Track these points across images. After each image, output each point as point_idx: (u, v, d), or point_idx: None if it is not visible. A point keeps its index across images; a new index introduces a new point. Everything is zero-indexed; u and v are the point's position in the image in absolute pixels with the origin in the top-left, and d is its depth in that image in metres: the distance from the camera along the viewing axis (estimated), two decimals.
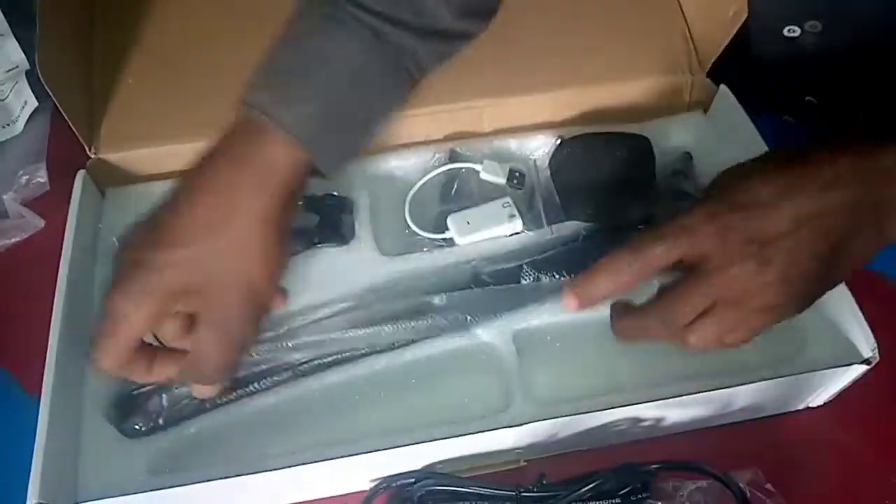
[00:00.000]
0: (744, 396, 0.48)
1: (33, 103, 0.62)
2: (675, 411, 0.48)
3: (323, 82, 0.43)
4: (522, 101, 0.62)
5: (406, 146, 0.61)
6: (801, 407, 0.52)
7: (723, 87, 0.61)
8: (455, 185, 0.59)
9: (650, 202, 0.56)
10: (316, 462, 0.45)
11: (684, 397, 0.46)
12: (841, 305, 0.49)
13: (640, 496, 0.45)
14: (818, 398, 0.51)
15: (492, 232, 0.55)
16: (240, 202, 0.40)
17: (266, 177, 0.41)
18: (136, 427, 0.48)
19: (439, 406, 0.50)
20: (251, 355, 0.49)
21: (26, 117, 0.63)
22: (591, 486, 0.44)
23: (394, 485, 0.46)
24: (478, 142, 0.61)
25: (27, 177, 0.62)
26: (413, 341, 0.51)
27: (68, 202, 0.55)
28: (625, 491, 0.44)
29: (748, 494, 0.44)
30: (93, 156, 0.59)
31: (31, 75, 0.62)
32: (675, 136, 0.62)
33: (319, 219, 0.56)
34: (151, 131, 0.60)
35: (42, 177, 0.63)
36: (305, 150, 0.41)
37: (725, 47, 0.60)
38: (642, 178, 0.57)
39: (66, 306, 0.50)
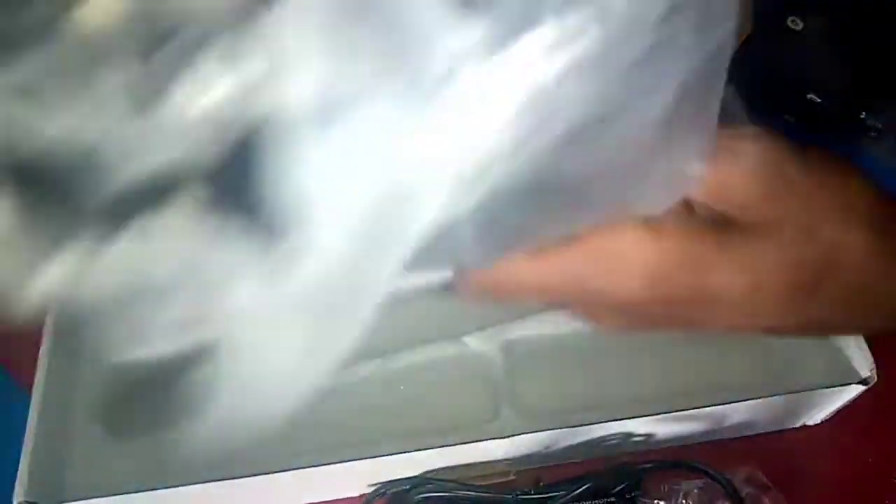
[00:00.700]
0: (737, 414, 0.47)
1: None
2: (667, 426, 0.47)
3: None
4: None
5: None
6: (797, 425, 0.51)
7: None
8: None
9: None
10: (304, 468, 0.44)
11: (677, 413, 0.46)
12: None
13: (633, 494, 0.44)
14: (815, 417, 0.51)
15: None
16: None
17: None
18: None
19: (426, 415, 0.49)
20: None
21: None
22: (586, 486, 0.44)
23: (390, 491, 0.46)
24: None
25: None
26: (401, 349, 0.51)
27: None
28: (618, 489, 0.44)
29: (744, 494, 0.44)
30: None
31: None
32: None
33: None
34: None
35: None
36: None
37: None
38: None
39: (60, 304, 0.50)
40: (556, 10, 0.22)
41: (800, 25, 0.57)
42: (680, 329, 0.34)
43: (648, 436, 0.48)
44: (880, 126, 0.60)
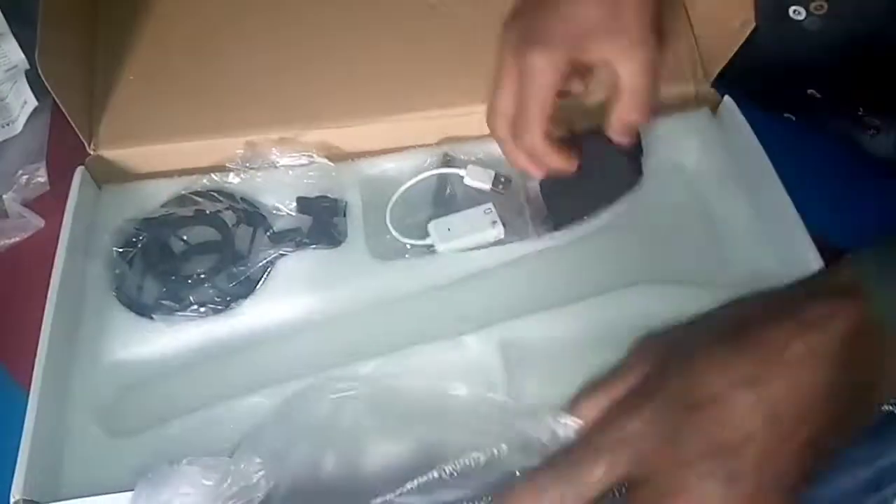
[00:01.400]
0: None
1: (33, 103, 0.63)
2: None
3: None
4: None
5: (400, 149, 0.60)
6: None
7: (727, 98, 0.60)
8: (447, 190, 0.58)
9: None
10: None
11: None
12: None
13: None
14: None
15: (473, 239, 0.55)
16: None
17: None
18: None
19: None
20: None
21: (26, 117, 0.63)
22: None
23: None
24: (473, 145, 0.60)
25: (27, 177, 0.63)
26: (398, 348, 0.50)
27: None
28: None
29: None
30: (92, 152, 0.59)
31: (30, 74, 0.62)
32: (675, 145, 0.61)
33: (312, 221, 0.56)
34: (151, 129, 0.60)
35: (42, 176, 0.63)
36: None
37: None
38: (631, 182, 0.54)
39: (59, 303, 0.50)
40: None
41: (802, 15, 0.57)
42: None
43: None
44: (878, 123, 0.61)
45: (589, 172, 0.53)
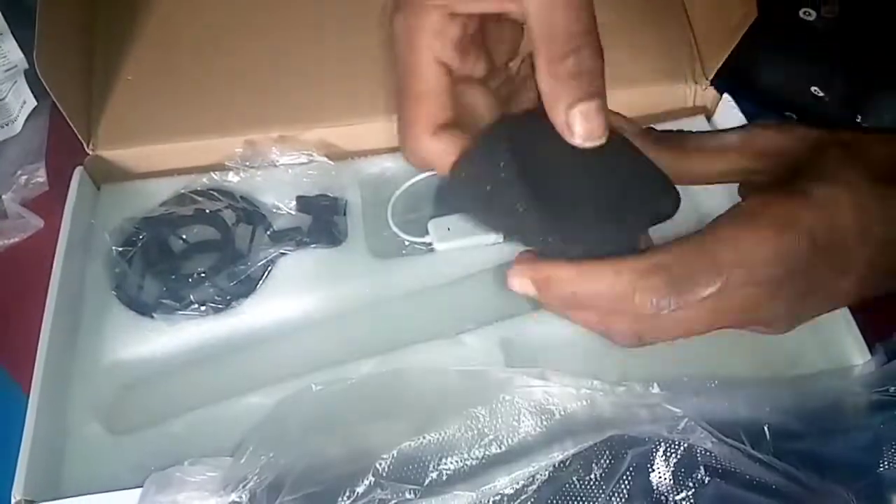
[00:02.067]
0: None
1: (32, 103, 0.63)
2: None
3: None
4: None
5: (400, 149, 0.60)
6: None
7: (726, 95, 0.61)
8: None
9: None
10: None
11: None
12: (837, 319, 0.49)
13: None
14: None
15: (471, 240, 0.55)
16: None
17: None
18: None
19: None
20: None
21: (25, 117, 0.63)
22: None
23: None
24: None
25: (26, 177, 0.63)
26: (398, 346, 0.50)
27: None
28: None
29: None
30: (91, 152, 0.59)
31: (29, 74, 0.62)
32: None
33: (312, 219, 0.56)
34: (150, 129, 0.60)
35: (41, 177, 0.63)
36: None
37: None
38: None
39: (59, 303, 0.50)
40: None
41: (812, 16, 0.57)
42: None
43: None
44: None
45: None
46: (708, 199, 0.54)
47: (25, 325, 0.50)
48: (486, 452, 0.43)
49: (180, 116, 0.60)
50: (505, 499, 0.41)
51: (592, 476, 0.42)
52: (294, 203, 0.57)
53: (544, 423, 0.44)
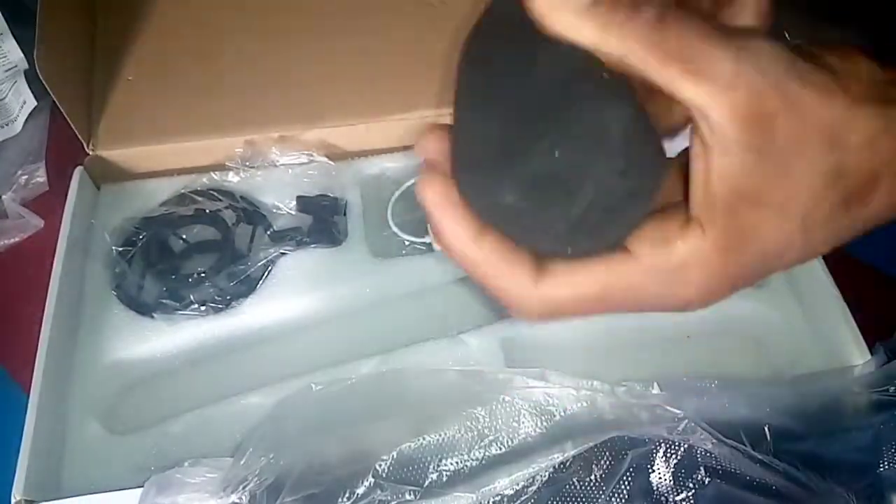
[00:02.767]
0: None
1: (32, 103, 0.63)
2: None
3: None
4: None
5: (400, 149, 0.61)
6: None
7: None
8: None
9: None
10: None
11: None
12: (837, 319, 0.49)
13: None
14: None
15: None
16: None
17: None
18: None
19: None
20: None
21: (25, 117, 0.63)
22: None
23: None
24: None
25: (26, 177, 0.62)
26: (398, 346, 0.50)
27: None
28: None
29: None
30: (91, 152, 0.59)
31: (29, 74, 0.62)
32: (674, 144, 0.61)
33: (312, 219, 0.56)
34: (150, 129, 0.60)
35: (41, 177, 0.63)
36: None
37: None
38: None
39: (59, 302, 0.50)
40: None
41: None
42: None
43: None
44: None
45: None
46: None
47: (25, 325, 0.50)
48: (486, 453, 0.43)
49: (180, 116, 0.60)
50: (505, 500, 0.41)
51: (593, 477, 0.42)
52: (294, 203, 0.57)
53: (544, 423, 0.44)
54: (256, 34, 0.64)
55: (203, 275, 0.53)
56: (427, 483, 0.42)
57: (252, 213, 0.56)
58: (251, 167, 0.58)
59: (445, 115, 0.60)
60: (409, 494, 0.41)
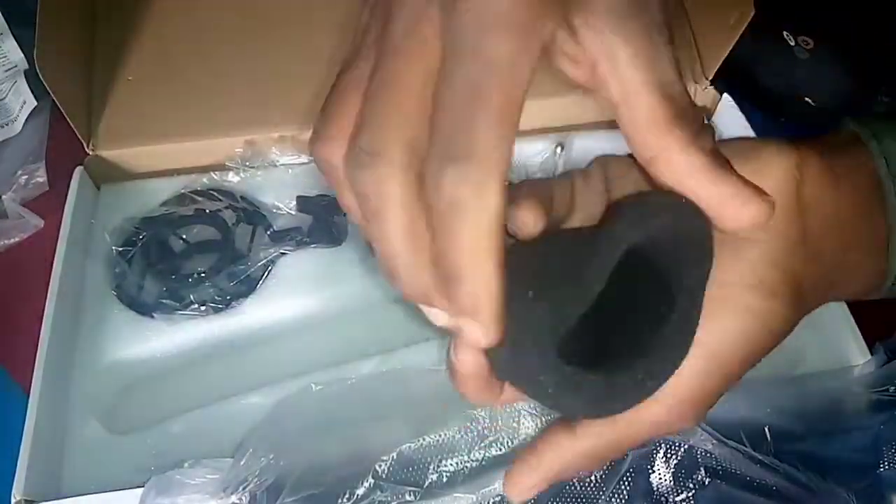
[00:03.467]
0: None
1: (32, 103, 0.63)
2: None
3: None
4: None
5: None
6: None
7: (726, 95, 0.61)
8: None
9: None
10: None
11: None
12: (837, 319, 0.49)
13: None
14: None
15: None
16: None
17: None
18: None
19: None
20: None
21: (25, 117, 0.63)
22: None
23: None
24: None
25: (26, 177, 0.62)
26: (398, 346, 0.50)
27: None
28: None
29: None
30: (91, 152, 0.59)
31: (29, 74, 0.62)
32: None
33: (312, 219, 0.56)
34: (150, 128, 0.60)
35: (41, 177, 0.63)
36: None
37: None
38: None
39: (59, 302, 0.50)
40: None
41: (793, 42, 0.58)
42: None
43: None
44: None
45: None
46: None
47: (25, 325, 0.50)
48: (487, 454, 0.43)
49: (180, 116, 0.60)
50: (505, 500, 0.41)
51: (592, 477, 0.42)
52: (294, 203, 0.57)
53: (544, 424, 0.44)
54: (256, 34, 0.64)
55: (203, 275, 0.53)
56: (427, 484, 0.42)
57: (252, 213, 0.56)
58: (251, 167, 0.58)
59: None
60: (409, 495, 0.41)
